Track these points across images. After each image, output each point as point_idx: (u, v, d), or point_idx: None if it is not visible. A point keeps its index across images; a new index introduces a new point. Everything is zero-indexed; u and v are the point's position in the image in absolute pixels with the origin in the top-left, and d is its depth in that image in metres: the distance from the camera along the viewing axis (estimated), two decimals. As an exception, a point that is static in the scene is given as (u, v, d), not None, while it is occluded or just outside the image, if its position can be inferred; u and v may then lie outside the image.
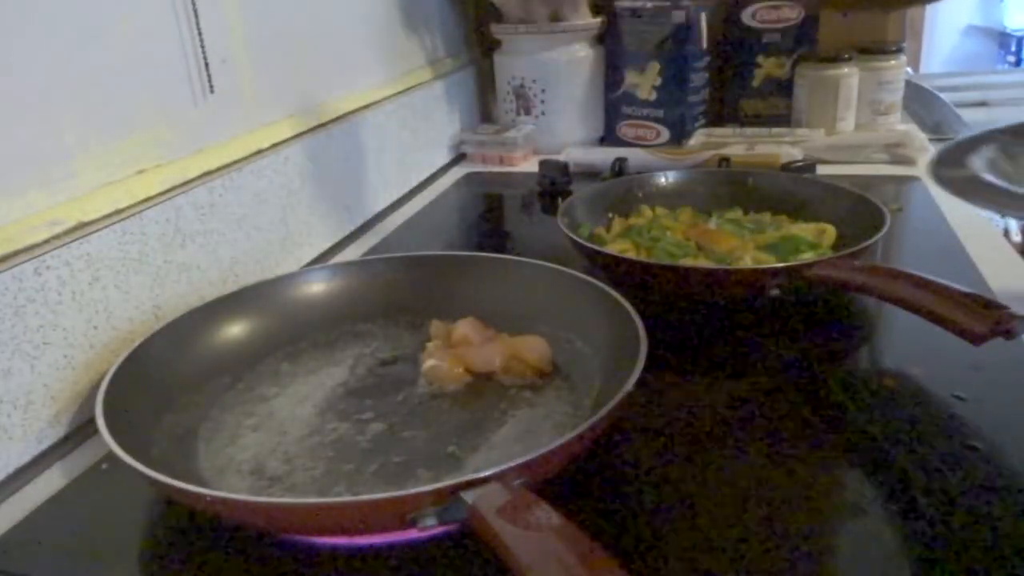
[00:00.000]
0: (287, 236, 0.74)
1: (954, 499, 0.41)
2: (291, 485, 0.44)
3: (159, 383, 0.50)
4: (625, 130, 1.14)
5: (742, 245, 0.67)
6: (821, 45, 1.11)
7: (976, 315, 0.45)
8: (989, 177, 0.45)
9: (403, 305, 0.60)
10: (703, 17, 1.07)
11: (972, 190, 0.46)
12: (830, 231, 0.69)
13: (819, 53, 1.10)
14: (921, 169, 0.96)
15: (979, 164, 0.48)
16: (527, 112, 1.13)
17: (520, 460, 0.36)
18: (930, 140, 1.10)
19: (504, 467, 0.36)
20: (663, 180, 0.82)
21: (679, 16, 1.04)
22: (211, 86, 0.66)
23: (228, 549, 0.41)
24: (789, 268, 0.59)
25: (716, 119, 1.17)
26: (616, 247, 0.69)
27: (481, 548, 0.34)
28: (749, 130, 1.08)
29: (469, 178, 1.06)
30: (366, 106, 0.89)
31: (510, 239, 0.88)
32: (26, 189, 0.50)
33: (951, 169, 0.48)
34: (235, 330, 0.57)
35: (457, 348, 0.54)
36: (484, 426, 0.48)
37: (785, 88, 1.12)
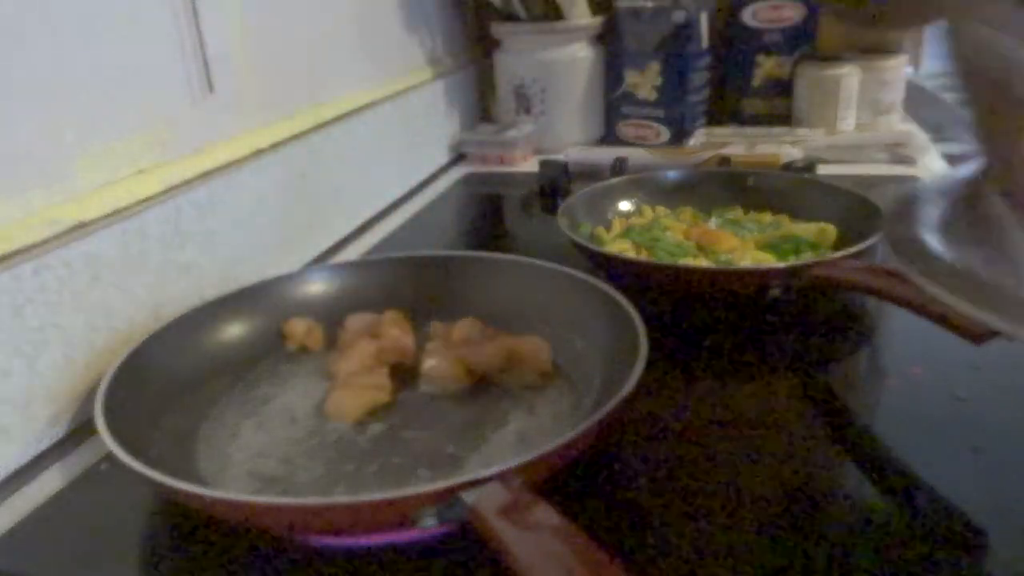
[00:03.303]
0: (287, 236, 0.74)
1: (955, 500, 0.41)
2: (291, 485, 0.44)
3: (159, 383, 0.50)
4: (625, 130, 1.14)
5: (742, 245, 0.67)
6: (821, 45, 1.11)
7: (976, 315, 0.45)
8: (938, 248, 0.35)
9: (403, 305, 0.60)
10: (703, 17, 1.07)
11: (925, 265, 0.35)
12: (830, 231, 0.69)
13: (819, 53, 1.10)
14: (921, 169, 0.96)
15: (926, 214, 0.37)
16: (527, 112, 1.13)
17: (520, 460, 0.36)
18: (930, 140, 1.10)
19: (504, 467, 0.36)
20: (663, 180, 0.82)
21: (679, 16, 1.04)
22: (211, 86, 0.65)
23: (228, 549, 0.41)
24: (789, 268, 0.59)
25: (716, 119, 1.17)
26: (616, 247, 0.69)
27: (481, 548, 0.34)
28: (749, 130, 1.09)
29: (469, 178, 1.06)
30: (366, 106, 0.89)
31: (510, 239, 0.88)
32: (26, 189, 0.50)
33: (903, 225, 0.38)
34: (235, 330, 0.57)
35: (457, 348, 0.54)
36: (484, 426, 0.48)
37: (785, 88, 1.12)
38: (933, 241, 0.34)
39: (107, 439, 0.41)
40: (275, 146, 0.73)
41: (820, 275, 0.57)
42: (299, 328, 0.58)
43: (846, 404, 0.52)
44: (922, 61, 1.30)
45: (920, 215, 0.37)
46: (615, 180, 0.84)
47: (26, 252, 0.48)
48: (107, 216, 0.54)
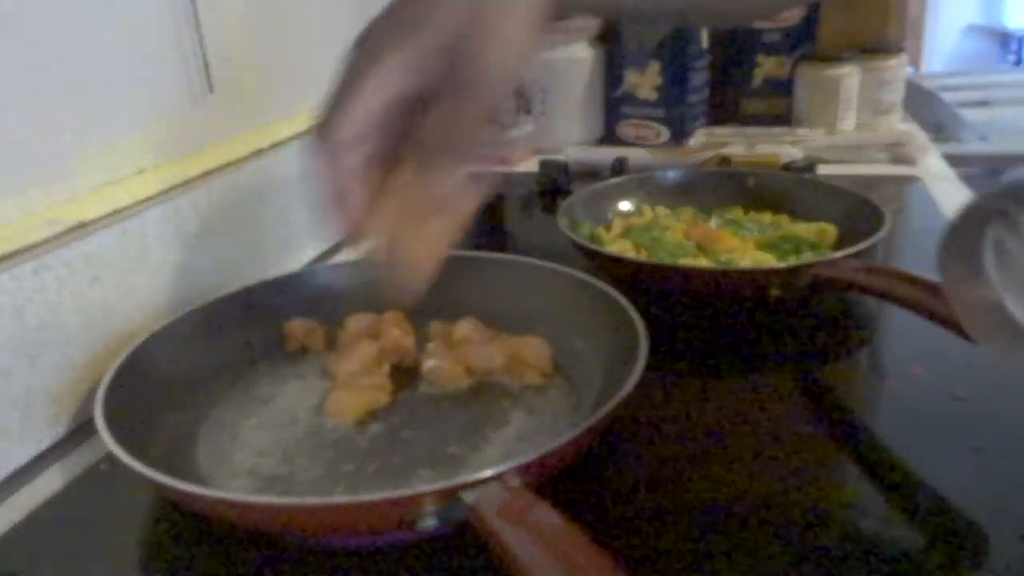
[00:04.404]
0: (287, 236, 0.74)
1: (955, 500, 0.41)
2: (291, 485, 0.44)
3: (159, 383, 0.50)
4: (625, 130, 1.14)
5: (742, 245, 0.67)
6: (821, 45, 1.11)
7: (976, 315, 0.45)
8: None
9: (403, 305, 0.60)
10: (703, 17, 1.07)
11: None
12: (830, 231, 0.69)
13: (819, 53, 1.10)
14: (921, 169, 0.96)
15: (990, 257, 0.31)
16: (527, 112, 1.13)
17: (520, 460, 0.36)
18: (930, 140, 1.10)
19: (504, 467, 0.36)
20: (663, 180, 0.82)
21: (679, 16, 1.04)
22: (211, 86, 0.65)
23: (228, 549, 0.41)
24: (789, 268, 0.59)
25: (716, 119, 1.16)
26: (616, 247, 0.69)
27: (481, 548, 0.34)
28: (749, 130, 1.08)
29: (469, 178, 1.06)
30: (366, 106, 0.89)
31: (510, 239, 0.88)
32: (26, 189, 0.50)
33: (965, 278, 0.32)
34: (235, 330, 0.57)
35: (457, 348, 0.54)
36: (484, 426, 0.48)
37: (785, 88, 1.12)
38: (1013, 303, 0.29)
39: (107, 439, 0.41)
40: (275, 146, 0.73)
41: (820, 275, 0.57)
42: (299, 328, 0.58)
43: (846, 404, 0.52)
44: (922, 61, 1.30)
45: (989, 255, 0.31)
46: (615, 180, 0.84)
47: (26, 252, 0.48)
48: (107, 216, 0.54)
